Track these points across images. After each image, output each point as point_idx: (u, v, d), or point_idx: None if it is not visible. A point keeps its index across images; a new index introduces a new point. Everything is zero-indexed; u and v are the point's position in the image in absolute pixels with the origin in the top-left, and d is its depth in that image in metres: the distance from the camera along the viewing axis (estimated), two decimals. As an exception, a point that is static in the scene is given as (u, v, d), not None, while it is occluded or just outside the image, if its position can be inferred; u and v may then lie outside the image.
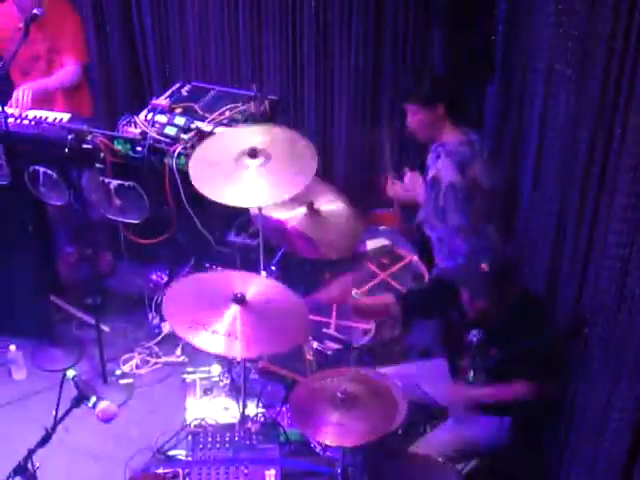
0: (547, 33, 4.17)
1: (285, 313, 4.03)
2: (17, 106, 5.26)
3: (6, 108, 5.00)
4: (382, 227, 5.57)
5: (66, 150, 4.89)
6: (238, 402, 4.52)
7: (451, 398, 4.25)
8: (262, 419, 4.47)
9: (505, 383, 4.08)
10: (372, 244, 5.41)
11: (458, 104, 4.82)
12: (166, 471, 4.09)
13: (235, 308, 3.90)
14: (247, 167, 4.30)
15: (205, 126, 5.10)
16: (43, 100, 5.48)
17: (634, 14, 2.97)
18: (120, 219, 5.18)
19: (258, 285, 4.08)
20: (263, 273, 4.68)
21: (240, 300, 3.89)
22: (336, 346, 4.77)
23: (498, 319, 4.06)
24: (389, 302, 4.57)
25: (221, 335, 3.81)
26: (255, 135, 4.52)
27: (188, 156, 4.75)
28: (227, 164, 4.33)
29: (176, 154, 4.93)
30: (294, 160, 4.43)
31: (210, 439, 4.25)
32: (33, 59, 5.60)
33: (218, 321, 3.86)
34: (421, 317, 4.75)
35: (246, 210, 4.95)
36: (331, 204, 4.97)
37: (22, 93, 5.30)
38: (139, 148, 5.00)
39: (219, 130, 5.05)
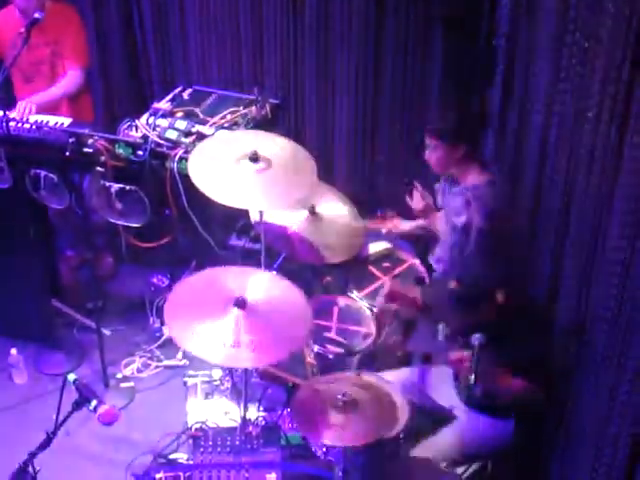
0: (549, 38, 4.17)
1: (287, 309, 4.02)
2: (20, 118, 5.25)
3: (10, 114, 5.00)
4: (383, 231, 5.56)
5: (67, 154, 4.90)
6: (239, 405, 4.52)
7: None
8: (263, 423, 4.46)
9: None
10: (374, 248, 5.40)
11: (478, 143, 4.82)
12: (167, 475, 4.09)
13: (237, 312, 3.89)
14: (246, 170, 4.31)
15: (206, 130, 5.10)
16: (48, 107, 5.48)
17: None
18: (121, 223, 5.18)
19: (258, 283, 4.07)
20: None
21: (241, 304, 3.89)
22: (337, 350, 4.77)
23: (499, 324, 4.06)
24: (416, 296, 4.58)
25: (228, 347, 3.80)
26: (258, 140, 4.53)
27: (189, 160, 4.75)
28: (227, 164, 4.34)
29: (177, 158, 4.94)
30: (294, 172, 4.44)
31: (211, 442, 4.25)
32: (36, 64, 5.60)
33: (221, 329, 3.84)
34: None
35: (247, 214, 4.95)
36: (332, 208, 4.98)
37: (25, 107, 5.29)
38: (140, 152, 5.01)
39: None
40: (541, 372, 4.00)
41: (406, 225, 5.35)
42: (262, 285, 4.07)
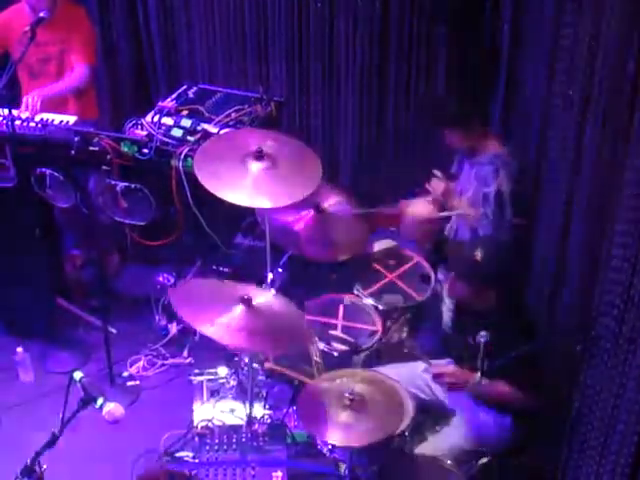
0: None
1: (286, 321, 4.08)
2: (26, 112, 5.25)
3: (14, 111, 5.00)
4: (389, 228, 5.57)
5: (73, 152, 4.90)
6: (245, 404, 4.52)
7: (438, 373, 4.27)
8: (269, 421, 4.47)
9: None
10: (378, 245, 5.40)
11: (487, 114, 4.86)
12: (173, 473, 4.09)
13: (241, 308, 3.91)
14: (251, 168, 4.31)
15: (211, 128, 5.10)
16: (54, 104, 5.47)
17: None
18: (127, 221, 5.19)
19: (264, 297, 4.12)
20: (270, 275, 4.69)
21: (246, 302, 3.90)
22: (343, 348, 4.77)
23: (503, 322, 4.06)
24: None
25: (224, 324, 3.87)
26: (263, 139, 4.53)
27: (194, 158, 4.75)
28: (232, 162, 4.34)
29: (182, 156, 4.94)
30: (299, 170, 4.44)
31: (217, 441, 4.26)
32: (43, 61, 5.59)
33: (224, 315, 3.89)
34: None
35: (253, 212, 4.95)
36: (337, 206, 4.98)
37: (31, 100, 5.29)
38: (146, 150, 5.01)
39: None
40: (535, 373, 4.03)
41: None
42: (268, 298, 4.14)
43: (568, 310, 3.99)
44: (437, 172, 5.07)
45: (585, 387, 3.76)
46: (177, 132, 5.08)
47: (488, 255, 4.09)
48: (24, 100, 5.31)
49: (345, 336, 4.83)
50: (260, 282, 4.59)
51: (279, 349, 4.15)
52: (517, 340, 4.01)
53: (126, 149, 5.02)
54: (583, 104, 3.71)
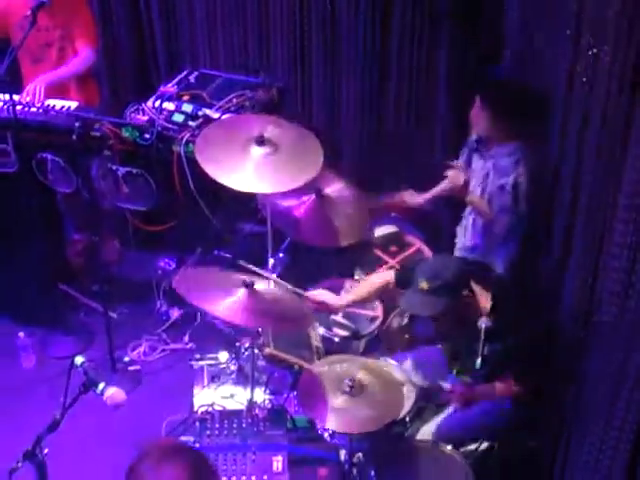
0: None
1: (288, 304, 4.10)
2: (30, 100, 5.24)
3: (15, 97, 5.00)
4: (390, 214, 5.57)
5: (74, 138, 4.89)
6: (245, 389, 4.53)
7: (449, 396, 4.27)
8: (269, 406, 4.48)
9: (499, 378, 4.12)
10: (380, 231, 5.41)
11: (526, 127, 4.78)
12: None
13: (243, 291, 3.92)
14: (252, 153, 4.31)
15: (213, 113, 5.10)
16: (56, 90, 5.46)
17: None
18: (128, 206, 5.19)
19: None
20: (271, 261, 4.69)
21: (249, 286, 3.91)
22: (343, 333, 4.78)
23: (508, 309, 4.06)
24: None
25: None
26: (265, 124, 4.53)
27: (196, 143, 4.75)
28: (234, 147, 4.34)
29: (184, 141, 4.93)
30: (300, 155, 4.43)
31: (218, 425, 4.27)
32: (44, 46, 5.57)
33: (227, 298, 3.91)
34: None
35: (254, 197, 4.95)
36: (339, 191, 4.98)
37: (35, 88, 5.28)
38: (147, 135, 5.01)
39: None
40: (536, 359, 4.04)
41: (420, 198, 5.33)
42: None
43: (571, 296, 3.99)
44: (457, 162, 4.99)
45: (586, 372, 3.77)
46: (178, 117, 5.07)
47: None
48: (27, 87, 5.29)
49: (346, 322, 4.84)
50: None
51: (281, 329, 4.13)
52: (519, 326, 4.02)
53: (127, 134, 5.02)
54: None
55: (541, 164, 4.59)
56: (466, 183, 4.85)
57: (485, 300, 4.04)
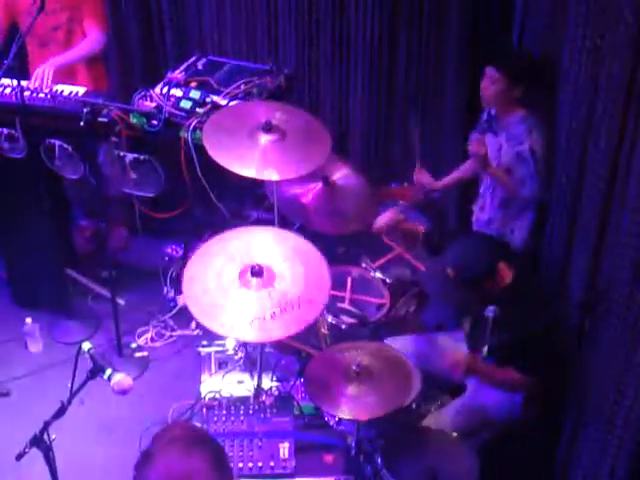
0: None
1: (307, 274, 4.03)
2: (38, 84, 5.22)
3: (23, 82, 4.99)
4: (397, 201, 5.55)
5: (82, 123, 4.88)
6: (253, 375, 4.54)
7: (451, 363, 4.26)
8: (276, 392, 4.49)
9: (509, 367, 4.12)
10: (387, 219, 5.39)
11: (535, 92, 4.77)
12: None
13: (256, 281, 3.91)
14: (259, 140, 4.31)
15: (220, 100, 5.08)
16: (65, 74, 5.45)
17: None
18: (135, 193, 5.18)
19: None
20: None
21: (257, 273, 3.90)
22: (351, 320, 4.78)
23: (513, 299, 4.06)
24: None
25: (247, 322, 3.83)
26: (272, 111, 4.52)
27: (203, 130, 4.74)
28: (240, 134, 4.34)
29: (191, 128, 4.92)
30: (308, 142, 4.43)
31: (224, 412, 4.28)
32: (52, 30, 5.54)
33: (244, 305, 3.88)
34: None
35: (262, 184, 4.95)
36: (346, 178, 4.98)
37: (43, 72, 5.27)
38: (155, 122, 5.00)
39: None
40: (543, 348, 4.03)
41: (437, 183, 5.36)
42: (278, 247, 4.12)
43: (577, 284, 3.99)
44: (475, 134, 4.92)
45: (593, 362, 3.76)
46: (186, 104, 5.06)
47: None
48: (36, 72, 5.28)
49: (353, 309, 4.84)
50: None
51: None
52: (526, 315, 4.02)
53: (135, 121, 5.01)
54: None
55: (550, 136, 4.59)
56: (487, 155, 4.79)
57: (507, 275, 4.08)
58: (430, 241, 4.57)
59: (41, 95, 5.09)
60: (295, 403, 4.38)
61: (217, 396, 4.47)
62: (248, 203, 5.55)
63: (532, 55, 4.85)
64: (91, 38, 5.58)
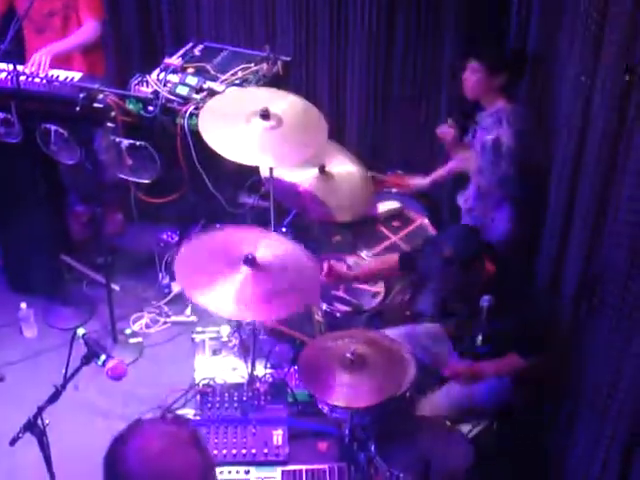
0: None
1: (296, 272, 4.03)
2: (34, 70, 5.20)
3: (19, 67, 4.97)
4: (393, 190, 5.56)
5: (77, 109, 4.87)
6: (247, 362, 4.54)
7: (452, 373, 4.27)
8: (270, 379, 4.49)
9: (504, 356, 4.12)
10: (383, 207, 5.40)
11: (516, 82, 4.81)
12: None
13: (246, 270, 3.90)
14: (256, 127, 4.30)
15: (217, 86, 5.08)
16: (61, 60, 5.43)
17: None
18: (131, 179, 5.18)
19: (269, 244, 4.09)
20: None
21: (251, 262, 3.90)
22: (345, 308, 4.78)
23: (507, 288, 4.06)
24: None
25: (232, 298, 3.84)
26: (269, 98, 4.52)
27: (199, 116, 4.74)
28: (238, 121, 4.33)
29: (188, 114, 4.92)
30: (304, 130, 4.42)
31: (218, 399, 4.29)
32: (48, 15, 5.52)
33: (229, 283, 3.88)
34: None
35: (258, 171, 4.94)
36: (343, 167, 4.97)
37: (40, 58, 5.24)
38: (151, 107, 4.99)
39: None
40: (539, 339, 4.04)
41: (416, 181, 5.39)
42: (273, 244, 4.10)
43: (572, 274, 3.99)
44: (450, 120, 5.11)
45: (588, 353, 3.77)
46: (183, 90, 5.05)
47: None
48: (32, 57, 5.26)
49: (348, 297, 4.84)
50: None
51: (291, 308, 4.11)
52: (520, 305, 4.02)
53: (131, 106, 5.00)
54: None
55: (532, 129, 4.66)
56: (455, 139, 5.04)
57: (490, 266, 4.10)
58: (405, 263, 4.58)
59: (37, 80, 5.07)
60: (289, 390, 4.38)
61: (211, 382, 4.47)
62: (244, 190, 5.54)
63: (521, 46, 4.92)
64: (87, 27, 5.57)
